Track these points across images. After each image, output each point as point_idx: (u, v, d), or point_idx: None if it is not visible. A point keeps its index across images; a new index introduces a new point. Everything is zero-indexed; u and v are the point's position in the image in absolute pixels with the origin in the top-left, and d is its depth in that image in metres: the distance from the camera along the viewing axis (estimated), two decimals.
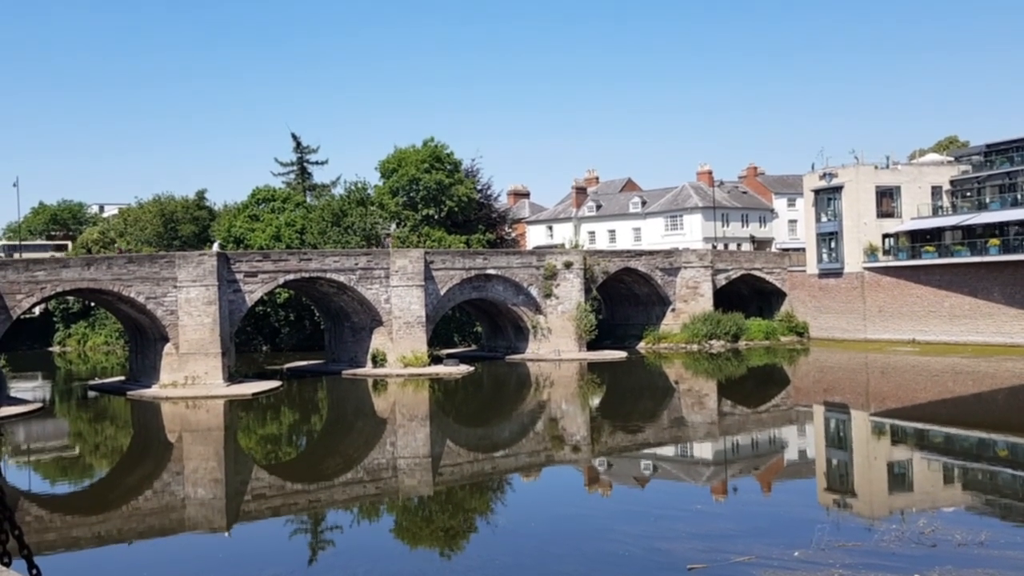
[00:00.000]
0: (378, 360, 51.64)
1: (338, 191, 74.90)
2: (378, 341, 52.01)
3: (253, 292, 47.91)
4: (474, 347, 66.25)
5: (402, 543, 21.00)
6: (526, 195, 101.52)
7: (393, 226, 69.15)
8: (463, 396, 46.40)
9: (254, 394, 44.00)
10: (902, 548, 17.22)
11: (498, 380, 52.32)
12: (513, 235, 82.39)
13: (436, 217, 66.80)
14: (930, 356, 51.81)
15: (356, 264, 50.91)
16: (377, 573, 17.66)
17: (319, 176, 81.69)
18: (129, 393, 44.88)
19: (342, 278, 50.18)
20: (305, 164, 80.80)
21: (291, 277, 49.30)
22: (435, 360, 53.36)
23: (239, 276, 47.06)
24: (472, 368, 52.54)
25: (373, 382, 49.40)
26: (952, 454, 28.87)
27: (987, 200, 57.69)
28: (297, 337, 68.78)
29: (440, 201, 66.41)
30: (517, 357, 58.27)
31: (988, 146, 60.13)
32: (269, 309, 66.00)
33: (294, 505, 25.27)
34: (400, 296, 51.57)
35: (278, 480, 28.49)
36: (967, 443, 30.10)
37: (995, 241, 53.27)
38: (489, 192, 74.28)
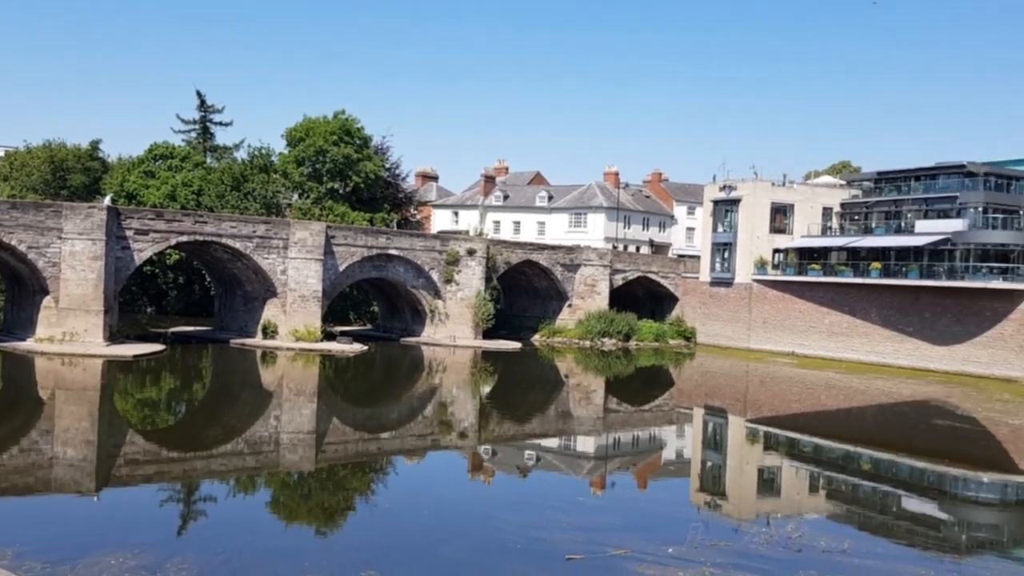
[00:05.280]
0: (269, 332, 50.67)
1: (241, 155, 72.98)
2: (271, 312, 51.02)
3: (142, 251, 46.30)
4: (369, 327, 65.71)
5: (279, 519, 20.74)
6: (434, 178, 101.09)
7: (295, 196, 67.87)
8: (354, 375, 46.00)
9: (135, 356, 42.56)
10: (770, 551, 17.98)
11: (391, 361, 52.06)
12: (418, 217, 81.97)
13: (341, 192, 65.85)
14: (807, 369, 54.10)
15: (254, 232, 49.76)
16: (252, 548, 17.39)
17: (222, 138, 79.69)
18: (1, 344, 42.75)
19: (238, 245, 48.98)
20: (208, 124, 78.34)
21: (184, 239, 47.83)
22: (328, 336, 52.72)
23: (129, 233, 45.40)
24: (366, 347, 52.11)
25: (262, 354, 48.43)
26: (819, 464, 30.24)
27: (873, 225, 60.49)
28: (185, 301, 66.82)
29: (346, 176, 65.46)
30: (412, 340, 58.10)
31: (879, 174, 63.01)
32: (158, 270, 63.96)
33: (168, 473, 24.60)
34: (297, 268, 50.69)
35: (153, 446, 27.69)
36: (834, 454, 31.59)
37: (877, 265, 55.94)
38: (397, 172, 73.70)
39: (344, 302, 64.73)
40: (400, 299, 60.28)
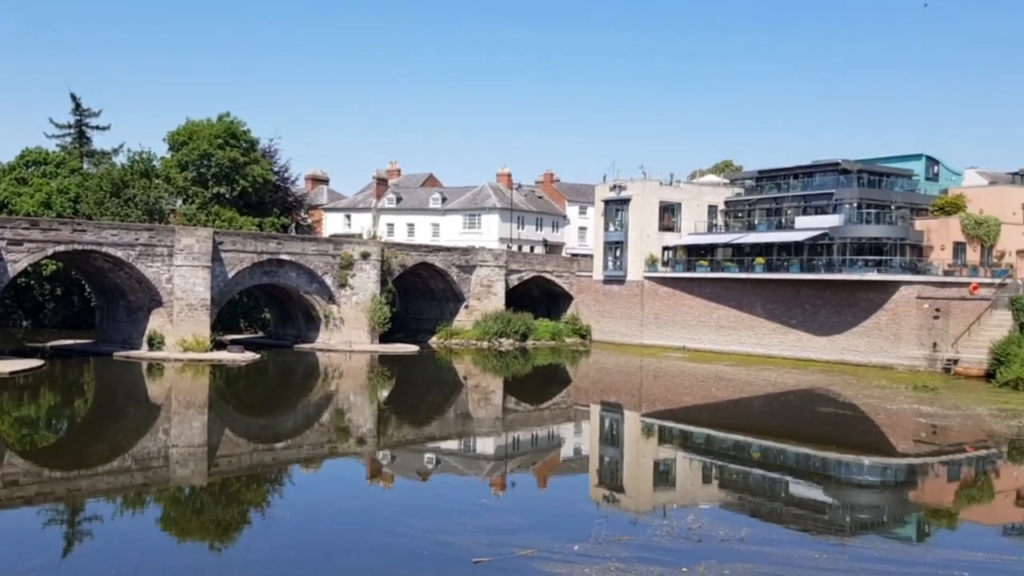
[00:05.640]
0: (155, 343, 48.93)
1: (121, 160, 70.09)
2: (156, 323, 49.27)
3: (17, 262, 44.00)
4: (261, 334, 64.24)
5: (171, 536, 20.03)
6: (325, 181, 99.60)
7: (180, 202, 65.72)
8: (246, 384, 44.85)
9: (11, 372, 40.41)
10: (672, 543, 18.37)
11: (285, 369, 50.99)
12: (309, 221, 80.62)
13: (228, 196, 64.08)
14: (698, 363, 55.68)
15: (137, 239, 47.95)
16: (145, 568, 16.72)
17: (100, 142, 76.08)
18: None
19: (120, 253, 47.10)
20: (84, 128, 74.83)
21: (61, 248, 45.66)
22: (218, 346, 51.27)
23: (1, 244, 43.09)
24: (258, 356, 50.91)
25: (148, 366, 46.70)
26: (712, 454, 31.16)
27: (756, 222, 62.75)
28: (63, 314, 63.87)
29: (233, 180, 63.75)
30: (307, 346, 57.08)
31: (760, 172, 65.40)
32: (33, 282, 60.95)
33: (51, 493, 23.43)
34: (184, 276, 49.10)
35: (34, 466, 26.31)
36: (725, 444, 32.61)
37: (761, 260, 58.06)
38: (286, 175, 72.22)
39: (234, 310, 63.06)
40: (293, 305, 59.11)
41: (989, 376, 45.96)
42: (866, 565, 17.23)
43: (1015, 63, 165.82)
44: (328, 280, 56.57)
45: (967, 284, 51.56)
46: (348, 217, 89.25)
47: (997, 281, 52.24)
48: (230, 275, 51.72)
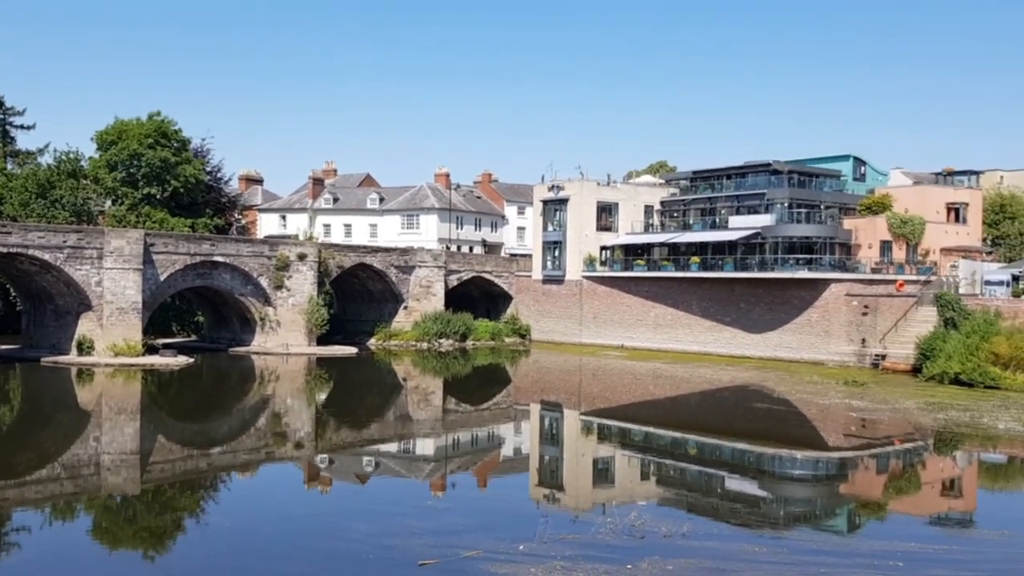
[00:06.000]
0: (85, 348, 47.64)
1: (47, 160, 67.95)
2: (86, 327, 47.98)
3: None
4: (195, 338, 62.99)
5: (103, 546, 19.52)
6: (259, 181, 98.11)
7: (109, 203, 64.10)
8: (179, 389, 43.94)
9: None
10: (616, 540, 18.51)
11: (219, 373, 50.09)
12: (243, 222, 79.22)
13: (159, 197, 62.61)
14: (636, 361, 56.31)
15: (64, 242, 46.62)
16: None
17: (24, 142, 73.32)
18: None
19: (47, 256, 45.74)
20: (8, 127, 72.37)
21: None
22: (150, 350, 50.17)
23: None
24: (192, 360, 49.96)
25: (78, 371, 45.44)
26: (650, 451, 31.54)
27: (691, 221, 63.72)
28: None
29: (164, 180, 62.32)
30: (242, 350, 56.16)
31: (694, 173, 66.41)
32: None
33: None
34: (114, 279, 47.91)
35: None
36: (663, 441, 33.04)
37: (696, 259, 58.98)
38: (219, 175, 70.81)
39: (166, 313, 61.73)
40: (227, 308, 58.09)
41: (916, 371, 47.41)
42: (805, 557, 17.62)
43: (937, 66, 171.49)
44: (264, 282, 55.74)
45: (894, 281, 53.11)
46: (283, 218, 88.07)
47: (922, 278, 53.90)
48: (162, 278, 50.62)
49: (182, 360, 49.09)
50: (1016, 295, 51.28)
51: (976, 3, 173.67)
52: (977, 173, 75.32)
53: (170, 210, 62.67)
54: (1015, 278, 54.22)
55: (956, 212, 60.59)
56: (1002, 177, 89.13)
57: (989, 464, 29.90)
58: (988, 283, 53.25)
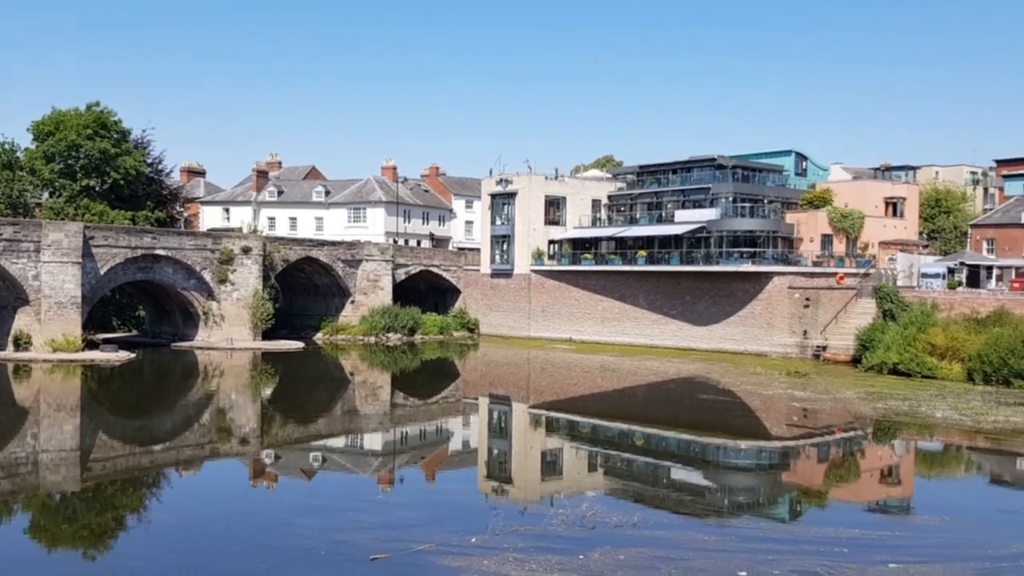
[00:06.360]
0: (22, 343, 46.45)
1: None
2: (23, 322, 46.76)
3: None
4: (136, 333, 61.76)
5: (41, 546, 19.03)
6: (201, 174, 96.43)
7: (46, 195, 62.47)
8: (120, 385, 43.01)
9: None
10: (568, 531, 18.60)
11: (162, 369, 49.18)
12: (186, 215, 77.91)
13: (98, 189, 61.17)
14: (584, 354, 56.67)
15: (0, 235, 45.33)
16: None
17: None
18: None
19: None
20: None
21: None
22: (90, 345, 49.11)
23: None
24: (133, 355, 48.96)
25: (15, 367, 44.24)
26: (598, 443, 31.79)
27: (638, 215, 64.29)
28: None
29: (104, 172, 60.88)
30: (185, 345, 55.22)
31: (641, 167, 66.99)
32: None
33: None
34: (52, 273, 46.74)
35: None
36: (611, 433, 33.32)
37: (643, 253, 59.55)
38: (161, 167, 69.42)
39: (107, 307, 60.39)
40: (170, 302, 57.05)
41: (856, 361, 48.52)
42: (752, 545, 17.93)
43: (875, 64, 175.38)
44: (207, 276, 54.84)
45: (834, 274, 54.26)
46: (227, 211, 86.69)
47: (861, 271, 55.13)
48: (102, 271, 49.51)
49: (123, 355, 48.10)
50: (951, 287, 52.77)
51: (910, 2, 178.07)
52: (914, 168, 77.17)
53: (110, 203, 61.28)
54: (950, 271, 55.84)
55: (894, 206, 62.10)
56: (937, 172, 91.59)
57: (926, 452, 30.75)
58: (925, 276, 54.72)
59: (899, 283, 53.84)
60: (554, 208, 66.35)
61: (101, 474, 25.78)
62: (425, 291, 71.77)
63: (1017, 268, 58.71)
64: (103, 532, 19.87)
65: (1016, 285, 53.15)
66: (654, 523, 19.65)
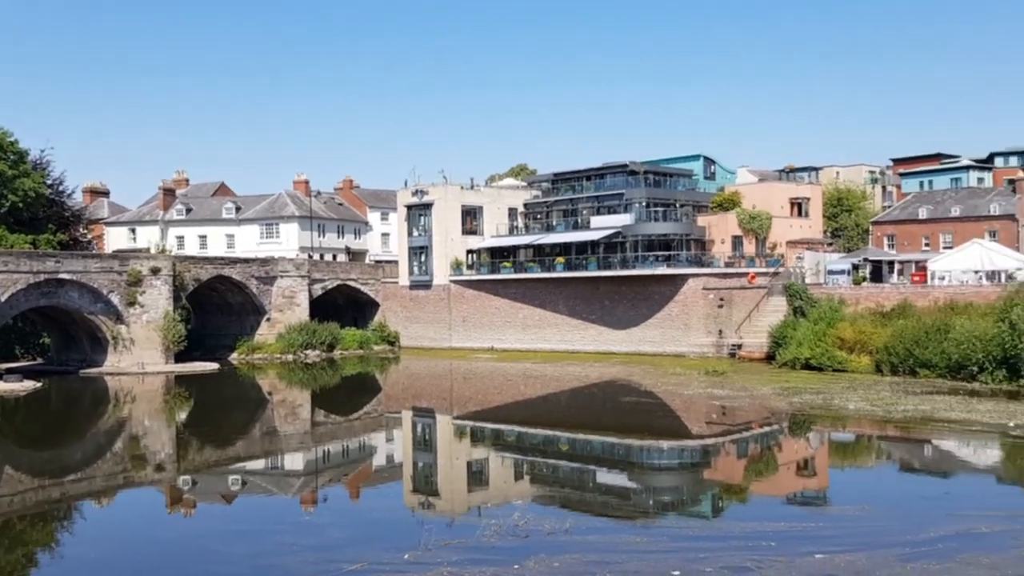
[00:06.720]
0: None
1: None
2: None
3: None
4: (41, 361, 59.33)
5: None
6: (105, 194, 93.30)
7: None
8: (26, 416, 41.24)
9: None
10: (501, 541, 18.46)
11: (70, 397, 47.33)
12: (89, 237, 75.17)
13: None
14: (506, 362, 56.77)
15: None
16: None
17: None
18: None
19: None
20: None
21: None
22: None
23: None
24: (39, 384, 47.10)
25: None
26: (524, 451, 31.80)
27: (554, 223, 64.86)
28: None
29: (1, 195, 58.32)
30: (94, 371, 53.28)
31: (555, 175, 67.64)
32: None
33: None
34: None
35: None
36: (536, 440, 33.42)
37: (561, 259, 60.07)
38: (61, 188, 66.85)
39: (8, 336, 57.90)
40: (76, 327, 54.97)
41: (770, 358, 49.83)
42: (683, 544, 18.14)
43: (776, 67, 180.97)
44: (115, 299, 53.07)
45: (746, 274, 55.69)
46: (133, 231, 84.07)
47: (771, 270, 56.73)
48: (2, 299, 47.45)
49: (28, 385, 46.15)
50: (857, 283, 54.71)
51: (812, 9, 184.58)
52: (816, 169, 79.89)
53: (8, 226, 58.66)
54: (855, 267, 57.90)
55: (799, 207, 64.13)
56: (838, 172, 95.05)
57: (840, 443, 31.73)
58: (831, 272, 56.61)
59: (807, 281, 55.57)
60: (471, 217, 66.38)
61: (8, 510, 24.55)
62: (343, 306, 70.89)
63: (917, 262, 61.34)
64: (13, 571, 18.94)
65: (916, 279, 55.47)
66: (586, 528, 19.73)
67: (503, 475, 28.25)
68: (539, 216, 66.85)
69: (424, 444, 34.95)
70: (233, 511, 24.16)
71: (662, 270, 55.38)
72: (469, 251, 65.68)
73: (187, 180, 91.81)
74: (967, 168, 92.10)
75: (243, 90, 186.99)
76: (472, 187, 67.21)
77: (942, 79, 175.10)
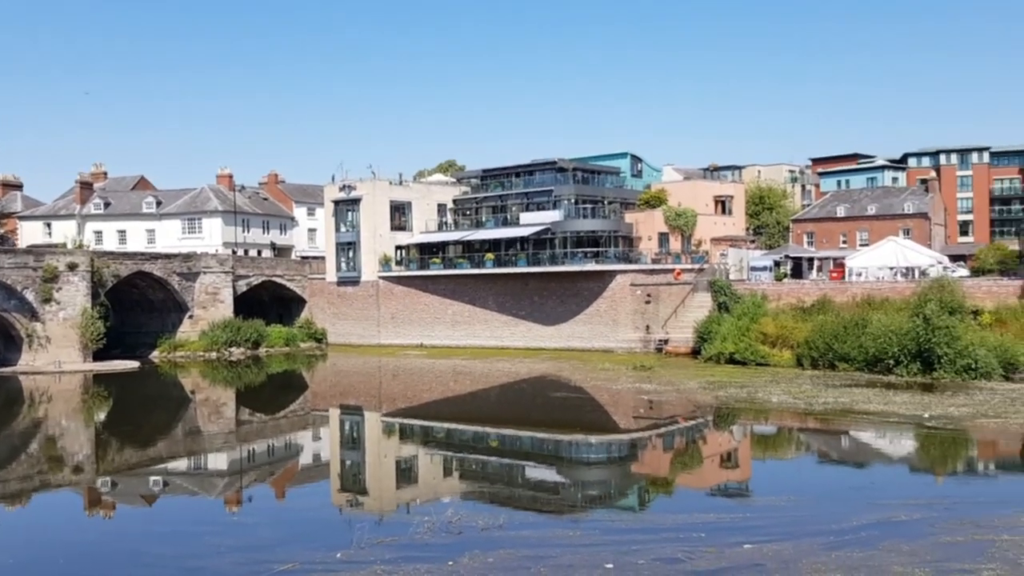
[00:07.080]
0: None
1: None
2: None
3: None
4: None
5: None
6: (18, 187, 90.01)
7: None
8: None
9: None
10: (434, 538, 18.36)
11: None
12: (2, 232, 72.45)
13: None
14: (436, 359, 56.54)
15: None
16: None
17: None
18: None
19: None
20: None
21: None
22: None
23: None
24: None
25: None
26: (453, 448, 31.72)
27: (483, 219, 64.82)
28: None
29: None
30: (7, 370, 51.32)
31: (484, 171, 67.60)
32: None
33: None
34: None
35: None
36: (465, 436, 33.37)
37: (490, 255, 60.06)
38: None
39: None
40: None
41: (696, 353, 50.67)
42: (615, 537, 18.32)
43: (703, 67, 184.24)
44: (29, 296, 51.17)
45: (672, 271, 56.53)
46: (48, 225, 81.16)
47: (696, 267, 57.71)
48: None
49: None
50: (779, 279, 56.06)
51: (733, 9, 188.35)
52: (739, 168, 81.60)
53: None
54: (777, 264, 59.33)
55: (723, 204, 65.36)
56: (759, 171, 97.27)
57: (762, 436, 32.47)
58: (754, 269, 57.89)
59: (731, 277, 56.68)
60: (400, 213, 65.90)
61: None
62: (269, 302, 69.67)
63: (835, 259, 63.19)
64: None
65: (835, 275, 57.12)
66: (519, 523, 19.76)
67: (433, 472, 28.13)
68: (468, 212, 66.74)
69: (352, 442, 34.57)
70: (155, 513, 23.52)
71: (591, 266, 55.84)
72: (398, 247, 65.20)
73: (105, 174, 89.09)
74: (882, 168, 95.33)
75: (164, 84, 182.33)
76: (401, 183, 66.72)
77: (858, 80, 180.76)
